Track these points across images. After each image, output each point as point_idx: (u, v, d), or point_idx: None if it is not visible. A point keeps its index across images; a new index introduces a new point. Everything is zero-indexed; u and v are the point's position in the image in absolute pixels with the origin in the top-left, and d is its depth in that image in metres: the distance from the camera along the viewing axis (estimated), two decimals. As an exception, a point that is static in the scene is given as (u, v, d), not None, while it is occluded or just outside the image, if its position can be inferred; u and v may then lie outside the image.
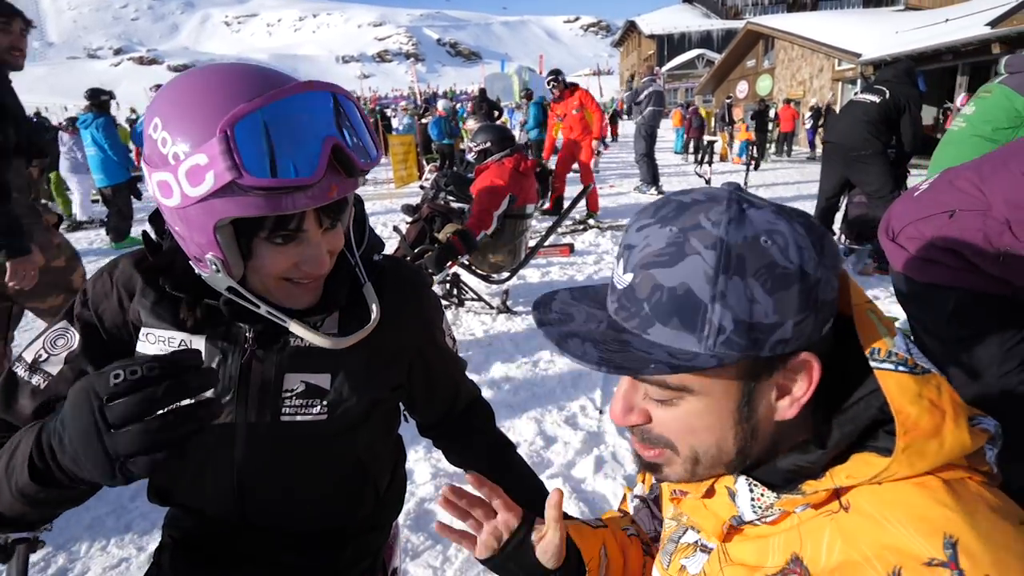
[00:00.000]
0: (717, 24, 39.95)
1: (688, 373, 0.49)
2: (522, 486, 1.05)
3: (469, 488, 0.75)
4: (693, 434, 0.52)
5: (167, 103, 0.64)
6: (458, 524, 0.74)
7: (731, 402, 0.51)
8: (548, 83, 7.35)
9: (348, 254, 0.85)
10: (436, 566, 1.86)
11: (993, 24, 10.08)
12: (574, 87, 7.30)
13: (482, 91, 10.65)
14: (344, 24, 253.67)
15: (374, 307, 0.82)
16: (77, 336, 0.80)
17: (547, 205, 7.26)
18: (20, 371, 0.80)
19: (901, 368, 0.48)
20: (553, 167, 7.46)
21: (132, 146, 10.05)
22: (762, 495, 0.52)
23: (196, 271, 0.76)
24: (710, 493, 0.57)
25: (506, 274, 4.02)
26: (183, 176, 0.62)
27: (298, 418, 0.81)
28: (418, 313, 0.93)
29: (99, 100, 6.52)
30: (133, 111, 12.93)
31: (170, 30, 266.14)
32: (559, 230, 5.51)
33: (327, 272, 0.76)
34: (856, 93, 4.32)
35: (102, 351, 0.81)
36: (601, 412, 2.72)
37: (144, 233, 0.84)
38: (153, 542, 1.98)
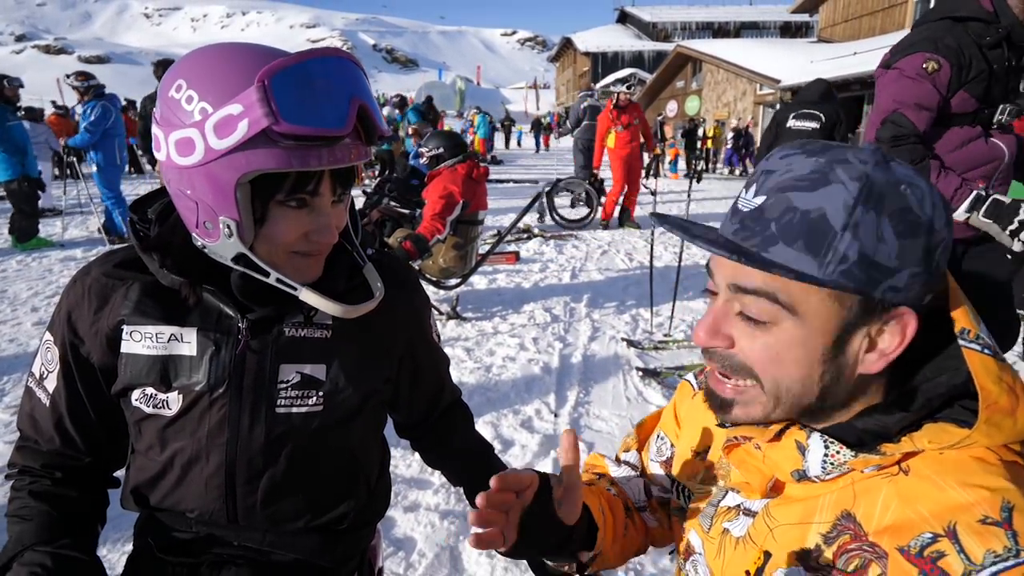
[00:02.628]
0: (648, 45, 41.63)
1: (803, 287, 0.50)
2: None
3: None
4: (779, 365, 0.53)
5: (193, 66, 0.67)
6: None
7: (825, 338, 0.52)
8: (628, 87, 7.03)
9: (346, 242, 0.85)
10: (400, 573, 1.83)
11: (894, 59, 11.08)
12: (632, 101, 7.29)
13: (428, 99, 10.58)
14: (275, 24, 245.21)
15: (378, 283, 0.83)
16: (56, 351, 0.81)
17: (606, 216, 7.30)
18: (32, 385, 0.84)
19: (987, 351, 0.51)
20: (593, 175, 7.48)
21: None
22: (838, 452, 0.53)
23: (200, 243, 0.74)
24: (777, 438, 0.57)
25: (456, 280, 4.02)
26: (210, 129, 0.64)
27: (294, 409, 0.80)
28: (409, 307, 0.93)
29: None
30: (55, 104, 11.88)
31: (82, 18, 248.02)
32: (507, 238, 5.56)
33: (333, 244, 0.77)
34: (790, 122, 4.50)
35: (81, 362, 0.81)
36: (556, 415, 2.76)
37: (132, 221, 0.81)
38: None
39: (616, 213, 7.47)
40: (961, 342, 0.51)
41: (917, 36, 1.90)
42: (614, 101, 6.98)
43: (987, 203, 1.79)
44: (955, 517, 0.46)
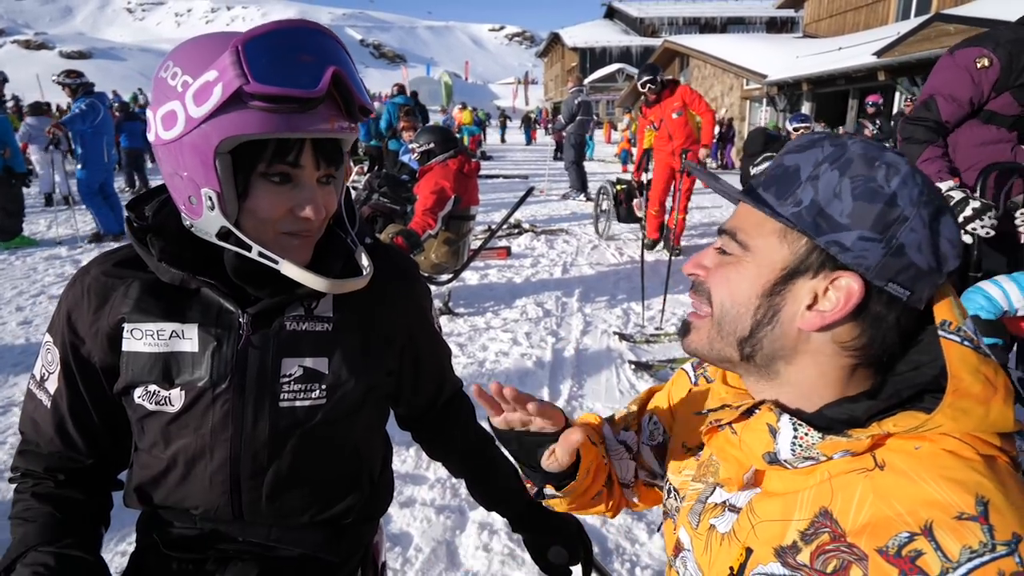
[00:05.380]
0: (636, 41, 41.64)
1: (759, 229, 0.57)
2: (505, 480, 1.06)
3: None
4: (728, 289, 0.59)
5: (182, 48, 0.69)
6: None
7: (769, 275, 0.56)
8: (643, 85, 5.51)
9: (341, 231, 0.85)
10: (396, 568, 1.83)
11: (879, 54, 11.21)
12: (674, 85, 5.55)
13: (414, 94, 10.53)
14: (261, 19, 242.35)
15: (365, 261, 0.82)
16: (57, 351, 0.81)
17: (652, 234, 5.68)
18: (33, 388, 0.84)
19: (967, 344, 0.51)
20: (634, 181, 6.06)
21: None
22: (806, 434, 0.54)
23: (188, 222, 0.75)
24: (747, 416, 0.60)
25: (447, 275, 4.02)
26: (190, 98, 0.66)
27: (297, 403, 0.80)
28: (410, 297, 0.93)
29: None
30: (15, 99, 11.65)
31: (63, 13, 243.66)
32: (498, 233, 5.55)
33: (321, 221, 0.76)
34: (753, 171, 4.79)
35: (82, 362, 0.81)
36: (550, 409, 2.77)
37: (128, 219, 0.80)
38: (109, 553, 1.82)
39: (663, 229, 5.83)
40: (941, 333, 0.51)
41: (992, 31, 2.02)
42: (643, 98, 5.81)
43: None
44: (931, 515, 0.46)
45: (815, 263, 0.54)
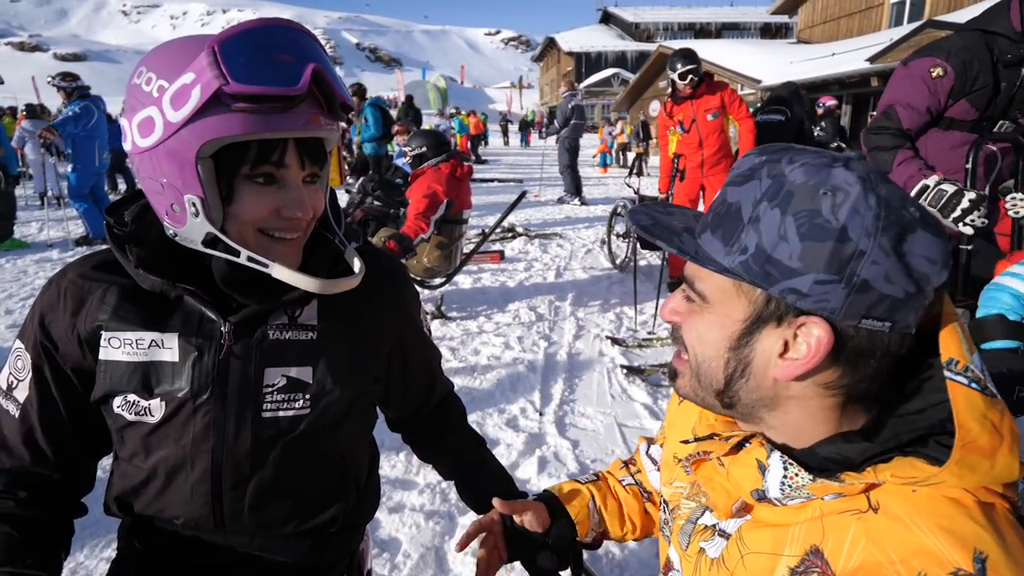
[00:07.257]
0: (631, 46, 41.80)
1: (712, 278, 0.53)
2: (494, 482, 1.06)
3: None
4: (700, 343, 0.56)
5: (155, 53, 0.68)
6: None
7: (732, 327, 0.53)
8: (681, 76, 4.25)
9: (327, 233, 0.84)
10: (384, 574, 1.82)
11: (872, 60, 11.28)
12: (712, 80, 4.47)
13: (409, 98, 10.54)
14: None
15: (356, 263, 0.81)
16: (29, 357, 0.78)
17: (675, 271, 4.27)
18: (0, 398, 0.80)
19: (974, 386, 0.47)
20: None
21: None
22: (796, 475, 0.52)
23: (171, 232, 0.73)
24: (735, 451, 0.58)
25: (440, 279, 4.01)
26: (167, 103, 0.64)
27: (280, 413, 0.79)
28: (398, 301, 0.93)
29: None
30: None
31: (58, 15, 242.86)
32: (492, 237, 5.55)
33: (309, 221, 0.75)
34: (758, 117, 4.78)
35: (55, 368, 0.78)
36: (541, 414, 2.76)
37: (107, 224, 0.79)
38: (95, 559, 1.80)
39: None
40: (947, 373, 0.47)
41: (942, 41, 2.05)
42: (671, 92, 4.51)
43: (932, 192, 1.87)
44: (924, 567, 0.44)
45: (776, 312, 0.50)
